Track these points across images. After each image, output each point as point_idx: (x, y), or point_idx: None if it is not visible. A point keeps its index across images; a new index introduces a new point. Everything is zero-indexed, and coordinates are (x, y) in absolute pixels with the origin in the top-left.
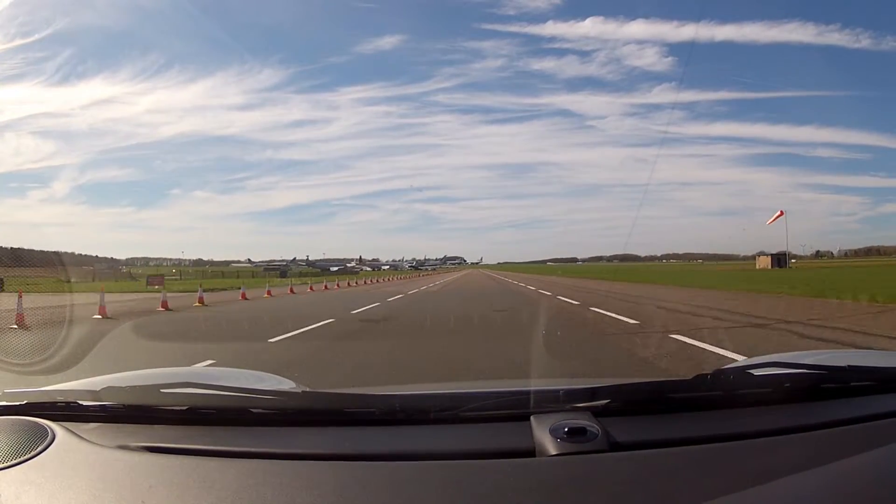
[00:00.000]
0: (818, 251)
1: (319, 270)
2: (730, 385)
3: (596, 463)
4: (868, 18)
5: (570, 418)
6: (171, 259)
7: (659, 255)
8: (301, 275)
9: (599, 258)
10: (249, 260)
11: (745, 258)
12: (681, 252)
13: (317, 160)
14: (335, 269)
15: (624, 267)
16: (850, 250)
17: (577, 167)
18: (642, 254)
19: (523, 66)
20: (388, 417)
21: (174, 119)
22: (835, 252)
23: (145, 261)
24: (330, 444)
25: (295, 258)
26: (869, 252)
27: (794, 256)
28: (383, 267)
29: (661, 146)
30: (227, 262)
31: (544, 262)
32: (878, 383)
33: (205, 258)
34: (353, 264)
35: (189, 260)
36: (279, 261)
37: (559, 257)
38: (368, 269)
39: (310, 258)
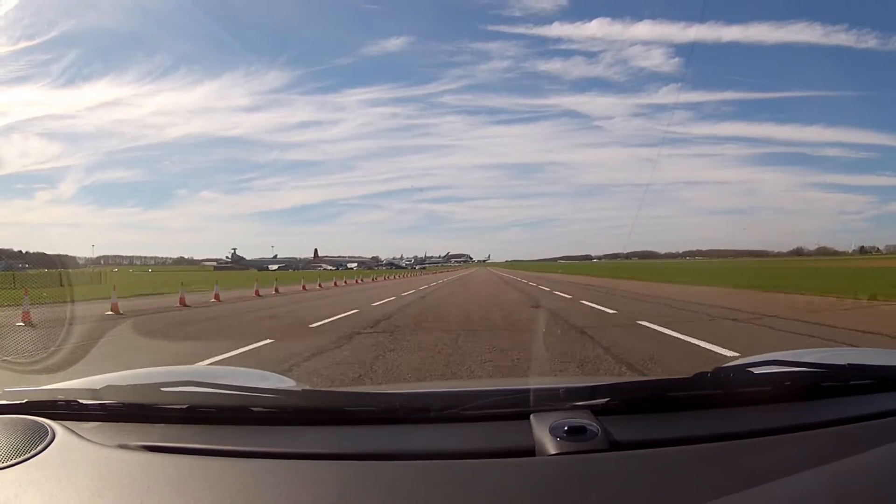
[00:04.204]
0: (862, 247)
1: (256, 270)
2: (730, 383)
3: (596, 462)
4: (875, 18)
5: (570, 417)
6: (150, 257)
7: (680, 251)
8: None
9: (616, 255)
10: (227, 258)
11: (780, 255)
12: (705, 249)
13: (323, 161)
14: (274, 267)
15: (630, 264)
16: None
17: (585, 167)
18: (661, 251)
19: (530, 68)
20: (388, 416)
21: (181, 120)
22: (881, 248)
23: (128, 259)
24: (330, 443)
25: (276, 255)
26: None
27: (837, 253)
28: (349, 265)
29: (661, 145)
30: (198, 262)
31: (555, 259)
32: (878, 382)
33: (186, 256)
34: (323, 263)
35: (170, 258)
36: (223, 259)
37: (571, 255)
38: (330, 267)
39: (239, 254)
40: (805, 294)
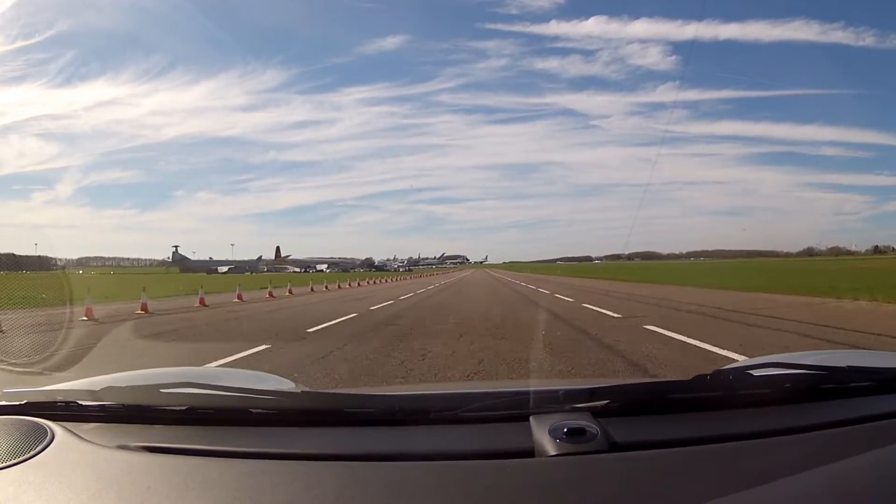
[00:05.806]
0: (876, 246)
1: (205, 272)
2: (729, 385)
3: (595, 463)
4: (872, 17)
5: (570, 419)
6: (135, 259)
7: (684, 252)
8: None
9: (617, 256)
10: (211, 258)
11: (789, 255)
12: (710, 249)
13: (320, 161)
14: (224, 269)
15: (634, 265)
16: None
17: (582, 167)
18: (664, 251)
19: (527, 66)
20: (387, 418)
21: (177, 121)
22: (895, 247)
23: (113, 261)
24: (329, 445)
25: (261, 256)
26: None
27: (850, 252)
28: (320, 266)
29: (661, 144)
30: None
31: (553, 261)
32: (877, 384)
33: (169, 258)
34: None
35: (156, 260)
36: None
37: (571, 256)
38: (296, 269)
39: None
40: None
